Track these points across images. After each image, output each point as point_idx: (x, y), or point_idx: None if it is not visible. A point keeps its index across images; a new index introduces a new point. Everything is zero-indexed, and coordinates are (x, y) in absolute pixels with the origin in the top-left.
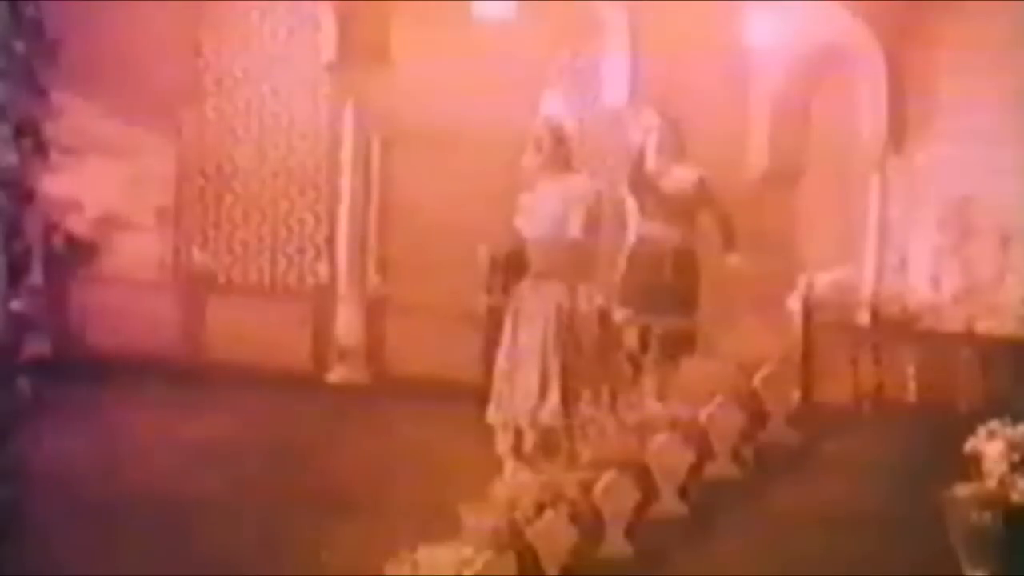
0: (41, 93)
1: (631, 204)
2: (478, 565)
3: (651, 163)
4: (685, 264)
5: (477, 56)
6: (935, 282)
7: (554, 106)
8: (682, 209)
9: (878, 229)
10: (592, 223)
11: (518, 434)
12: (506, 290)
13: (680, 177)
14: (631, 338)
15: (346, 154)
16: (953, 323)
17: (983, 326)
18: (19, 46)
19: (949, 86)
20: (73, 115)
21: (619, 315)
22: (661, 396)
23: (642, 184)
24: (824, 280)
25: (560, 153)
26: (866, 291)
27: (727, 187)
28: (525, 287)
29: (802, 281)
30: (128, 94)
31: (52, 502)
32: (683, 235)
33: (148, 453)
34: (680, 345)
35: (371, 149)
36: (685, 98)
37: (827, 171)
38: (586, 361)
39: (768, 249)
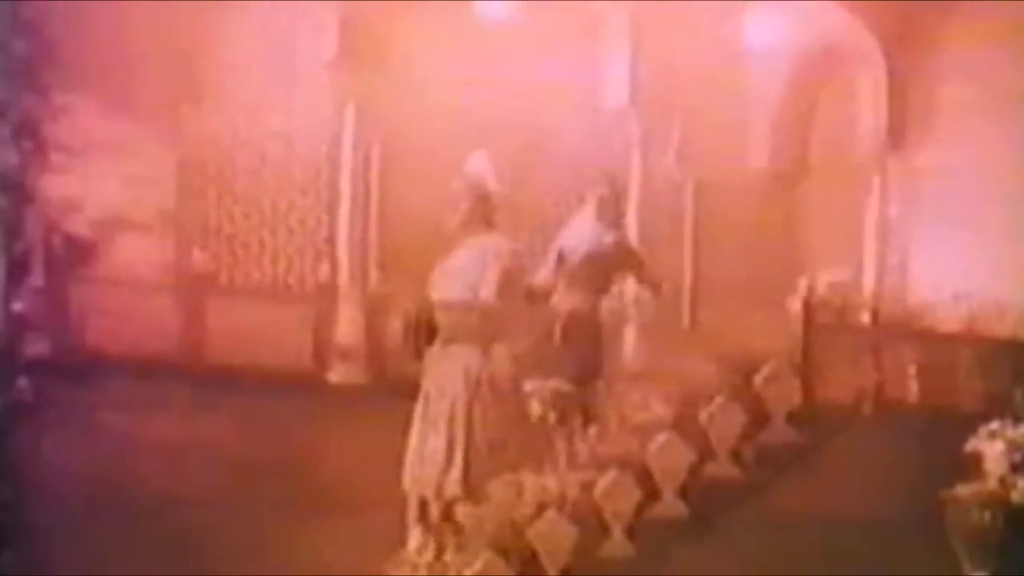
0: (41, 93)
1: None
2: (478, 565)
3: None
4: (580, 329)
5: (477, 56)
6: (935, 282)
7: (479, 165)
8: (593, 273)
9: (878, 229)
10: (508, 284)
11: (423, 505)
12: (419, 355)
13: (600, 243)
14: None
15: (346, 154)
16: (954, 323)
17: (983, 326)
18: (19, 46)
19: (949, 87)
20: (73, 115)
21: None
22: (571, 464)
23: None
24: (825, 280)
25: (480, 212)
26: (867, 291)
27: (727, 187)
28: (435, 352)
29: (803, 282)
30: (128, 94)
31: (51, 501)
32: (582, 300)
33: (148, 453)
34: (573, 413)
35: (371, 149)
36: (685, 98)
37: (827, 172)
38: (493, 430)
39: (768, 249)
